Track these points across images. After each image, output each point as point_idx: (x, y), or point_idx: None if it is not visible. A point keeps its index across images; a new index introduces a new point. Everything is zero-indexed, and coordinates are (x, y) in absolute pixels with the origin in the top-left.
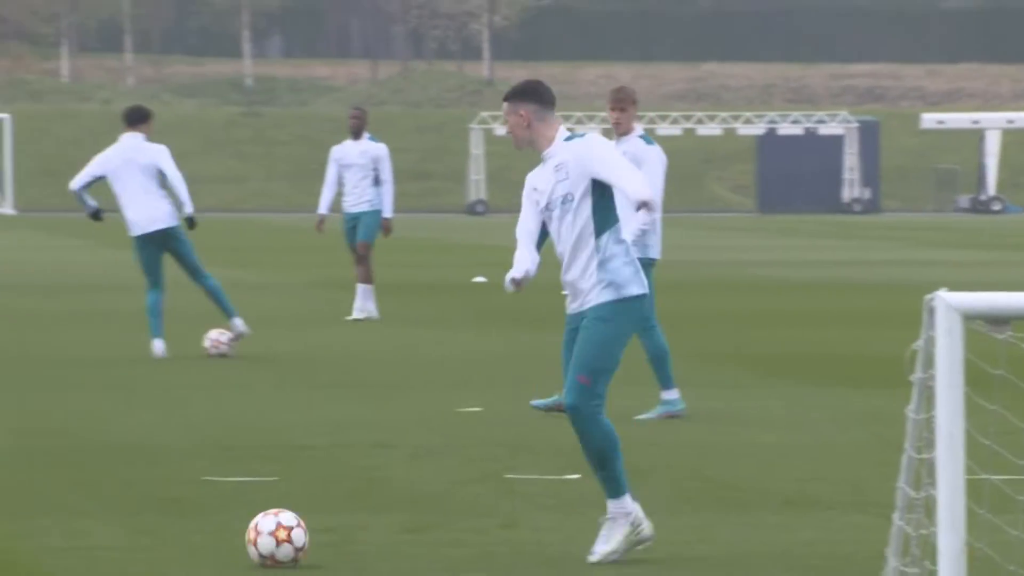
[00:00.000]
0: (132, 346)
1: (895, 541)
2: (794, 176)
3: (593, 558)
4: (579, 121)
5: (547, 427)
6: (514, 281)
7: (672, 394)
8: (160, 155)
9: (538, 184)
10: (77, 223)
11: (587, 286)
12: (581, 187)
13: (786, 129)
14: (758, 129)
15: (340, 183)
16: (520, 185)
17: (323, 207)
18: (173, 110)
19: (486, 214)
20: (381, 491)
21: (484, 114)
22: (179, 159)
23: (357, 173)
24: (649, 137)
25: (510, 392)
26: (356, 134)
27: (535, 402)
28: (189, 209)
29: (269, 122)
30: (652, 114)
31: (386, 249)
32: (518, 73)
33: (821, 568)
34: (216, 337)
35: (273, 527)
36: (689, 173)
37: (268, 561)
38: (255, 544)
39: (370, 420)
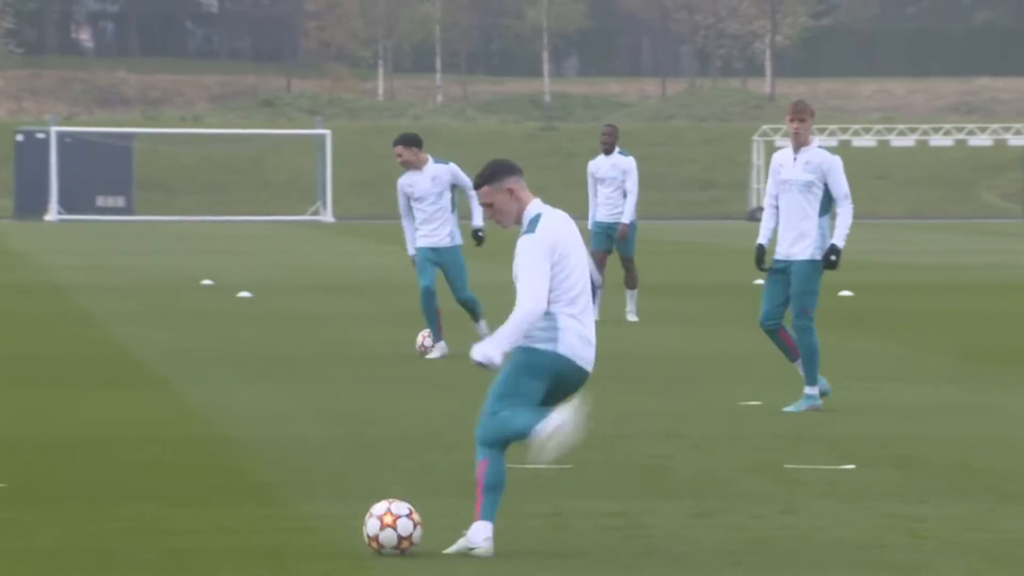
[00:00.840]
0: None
1: None
2: None
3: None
4: (855, 133)
5: (824, 421)
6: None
7: (813, 390)
8: (454, 172)
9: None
10: (389, 229)
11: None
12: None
13: None
14: None
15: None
16: None
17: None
18: (477, 125)
19: None
20: (668, 478)
21: (765, 127)
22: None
23: (609, 186)
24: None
25: (787, 388)
26: (608, 149)
27: (787, 408)
28: (476, 221)
29: (565, 136)
30: (925, 126)
31: (668, 254)
32: (797, 89)
33: None
34: (421, 342)
35: (382, 511)
36: (960, 182)
37: (373, 543)
38: (365, 525)
39: (656, 411)
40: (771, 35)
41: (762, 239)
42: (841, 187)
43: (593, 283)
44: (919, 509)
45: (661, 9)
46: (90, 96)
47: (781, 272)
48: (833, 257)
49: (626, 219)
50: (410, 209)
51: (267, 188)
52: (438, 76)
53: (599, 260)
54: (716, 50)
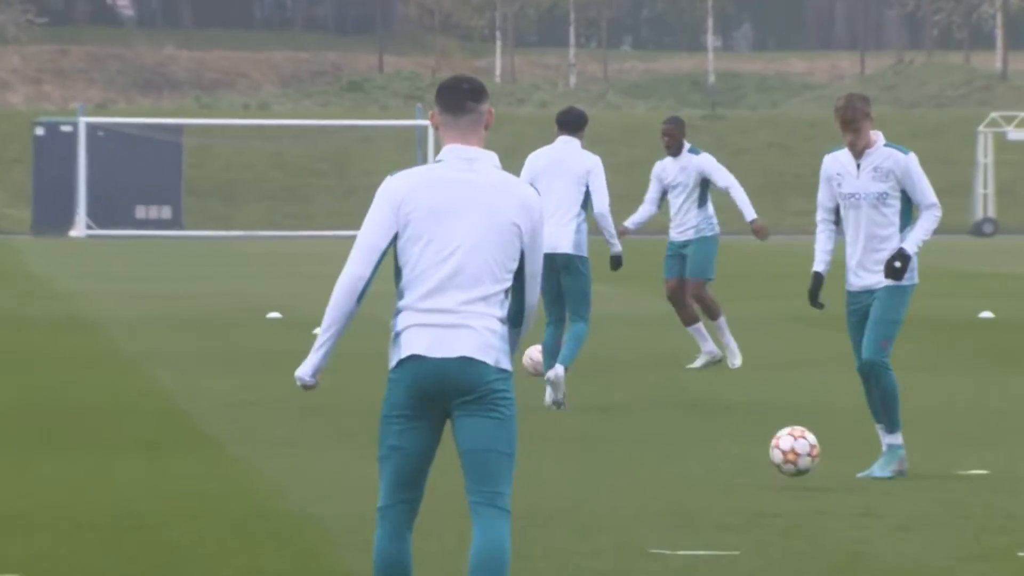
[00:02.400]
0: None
1: None
2: None
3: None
4: None
5: None
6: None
7: (898, 438)
8: (594, 168)
9: None
10: None
11: None
12: None
13: None
14: None
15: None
16: None
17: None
18: (621, 114)
19: (995, 235)
20: (866, 568)
21: (995, 115)
22: (627, 172)
23: (681, 194)
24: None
25: (1023, 452)
26: (674, 150)
27: (864, 473)
28: (615, 247)
29: (734, 126)
30: None
31: None
32: None
33: None
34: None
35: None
36: None
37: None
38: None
39: (850, 482)
40: None
41: (818, 266)
42: (926, 193)
43: None
44: None
45: None
46: (129, 79)
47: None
48: (898, 264)
49: (750, 215)
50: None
51: (353, 195)
52: (571, 51)
53: (671, 289)
54: (931, 16)
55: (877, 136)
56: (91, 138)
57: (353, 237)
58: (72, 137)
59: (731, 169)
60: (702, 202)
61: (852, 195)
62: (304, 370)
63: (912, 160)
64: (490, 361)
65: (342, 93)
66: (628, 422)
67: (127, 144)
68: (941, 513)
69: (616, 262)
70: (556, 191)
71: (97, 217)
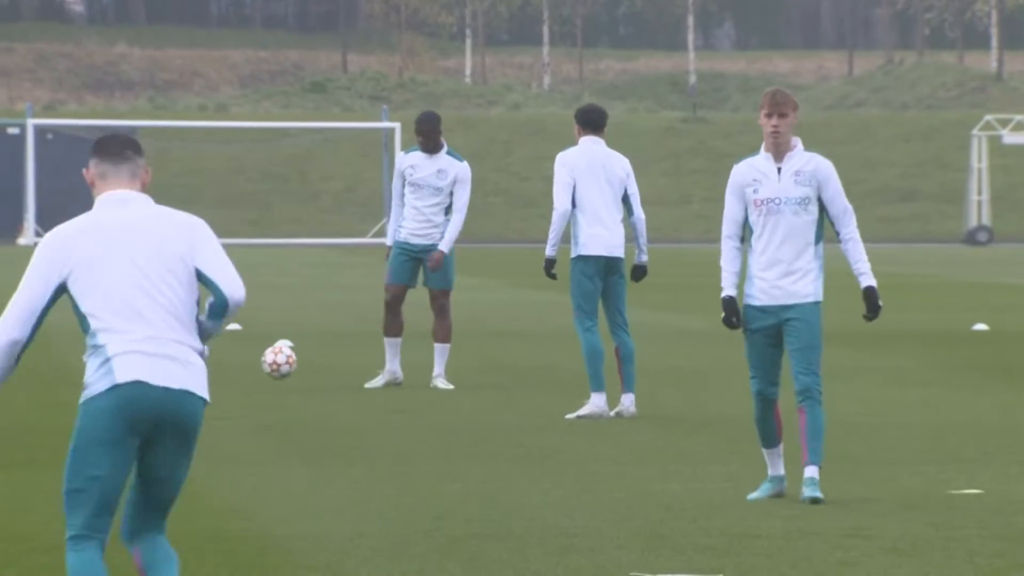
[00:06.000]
0: (538, 411)
1: None
2: None
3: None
4: None
5: None
6: None
7: (815, 471)
8: (631, 172)
9: None
10: (478, 256)
11: None
12: None
13: None
14: None
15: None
16: None
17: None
18: None
19: (990, 243)
20: None
21: (989, 117)
22: None
23: (428, 197)
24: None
25: (1017, 471)
26: (430, 148)
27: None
28: (645, 256)
29: (716, 130)
30: None
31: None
32: None
33: None
34: (275, 358)
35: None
36: None
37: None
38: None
39: (837, 501)
40: None
41: (730, 289)
42: (842, 200)
43: None
44: None
45: None
46: (79, 78)
47: (772, 327)
48: (881, 303)
49: (444, 246)
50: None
51: (315, 200)
52: (545, 51)
53: (394, 296)
54: (922, 14)
55: (796, 141)
56: (39, 141)
57: (316, 247)
58: (19, 140)
59: (709, 175)
60: (447, 209)
61: (772, 200)
62: None
63: (831, 165)
64: (205, 396)
65: (304, 94)
66: (605, 439)
67: (77, 147)
68: (932, 534)
69: (642, 272)
70: (600, 194)
71: (46, 223)
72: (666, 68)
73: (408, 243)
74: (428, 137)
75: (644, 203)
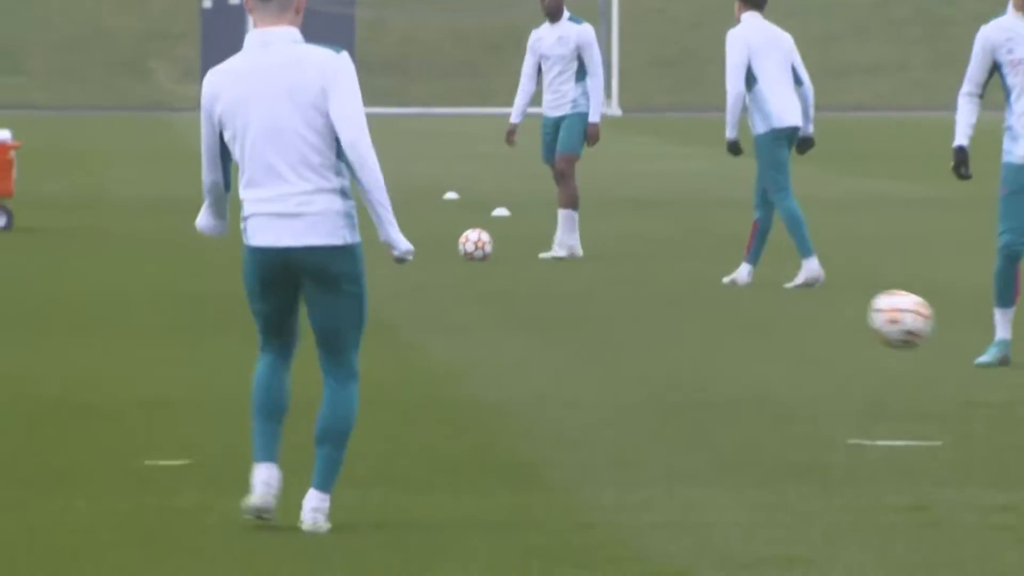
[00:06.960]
0: (757, 281)
1: None
2: None
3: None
4: None
5: None
6: None
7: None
8: (792, 43)
9: None
10: (694, 125)
11: None
12: None
13: None
14: None
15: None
16: None
17: (516, 115)
18: None
19: None
20: None
21: None
22: (820, 45)
23: (556, 65)
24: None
25: None
26: (552, 15)
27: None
28: (811, 127)
29: None
30: None
31: None
32: None
33: None
34: (475, 238)
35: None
36: None
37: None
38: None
39: None
40: None
41: (963, 140)
42: None
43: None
44: None
45: None
46: None
47: None
48: None
49: (594, 117)
50: None
51: None
52: None
53: (562, 167)
54: None
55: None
56: None
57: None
58: (240, 10)
59: (929, 41)
60: (579, 76)
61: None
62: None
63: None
64: (336, 242)
65: None
66: (821, 307)
67: None
68: None
69: (810, 143)
70: (778, 66)
71: None
72: None
73: (545, 116)
74: (548, 4)
75: (862, 72)
